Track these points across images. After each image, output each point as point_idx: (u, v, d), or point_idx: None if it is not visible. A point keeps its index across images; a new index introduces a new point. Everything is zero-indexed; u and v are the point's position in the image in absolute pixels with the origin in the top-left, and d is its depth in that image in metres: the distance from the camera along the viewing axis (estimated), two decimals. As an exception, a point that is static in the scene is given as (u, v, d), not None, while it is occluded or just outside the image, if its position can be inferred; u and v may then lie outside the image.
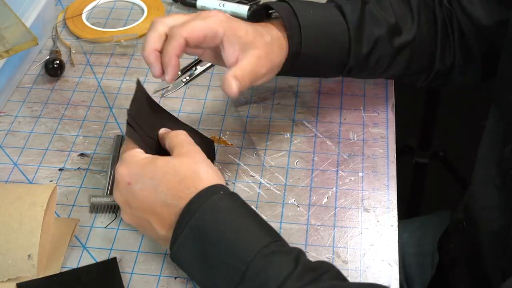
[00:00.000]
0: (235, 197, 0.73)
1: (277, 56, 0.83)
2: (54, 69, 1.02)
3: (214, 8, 1.14)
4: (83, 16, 1.13)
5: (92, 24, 1.12)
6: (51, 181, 0.89)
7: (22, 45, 0.89)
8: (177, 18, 0.80)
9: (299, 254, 0.69)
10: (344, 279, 0.70)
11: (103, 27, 1.11)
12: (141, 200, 0.74)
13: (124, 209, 0.76)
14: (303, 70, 0.89)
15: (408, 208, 1.76)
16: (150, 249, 0.81)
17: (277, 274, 0.66)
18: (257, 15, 0.89)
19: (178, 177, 0.73)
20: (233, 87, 0.77)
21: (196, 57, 1.06)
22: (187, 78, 1.03)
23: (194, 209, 0.70)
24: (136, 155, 0.76)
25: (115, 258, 0.79)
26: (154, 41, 0.79)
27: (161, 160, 0.74)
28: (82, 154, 0.92)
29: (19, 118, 0.98)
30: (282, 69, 0.86)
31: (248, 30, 0.80)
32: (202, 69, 1.04)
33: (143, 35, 1.09)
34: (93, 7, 1.15)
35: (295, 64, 0.86)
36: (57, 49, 1.06)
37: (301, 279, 0.66)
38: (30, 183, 0.88)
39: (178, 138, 0.78)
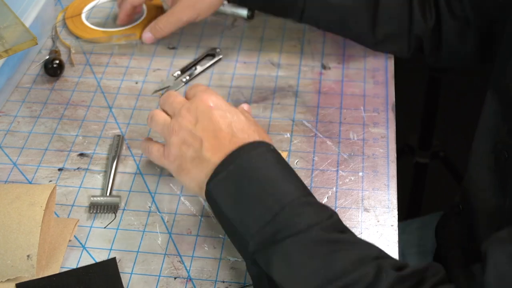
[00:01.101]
0: (279, 154, 0.76)
1: (207, 1, 1.01)
2: (53, 69, 1.02)
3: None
4: (83, 16, 1.13)
5: (91, 24, 1.11)
6: (50, 181, 0.89)
7: (22, 45, 0.89)
8: None
9: (333, 212, 0.71)
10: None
11: (103, 27, 1.11)
12: (213, 123, 0.76)
13: (181, 124, 0.77)
14: (257, 2, 1.02)
15: (408, 208, 1.76)
16: (150, 249, 0.81)
17: (307, 220, 0.68)
18: None
19: (249, 121, 0.78)
20: (146, 38, 1.07)
21: (196, 57, 1.06)
22: (187, 78, 1.03)
23: (244, 152, 0.73)
24: (222, 98, 0.81)
25: (114, 258, 0.79)
26: (124, 11, 1.09)
27: (240, 109, 0.80)
28: (81, 154, 0.92)
29: (18, 118, 0.97)
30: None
31: None
32: (202, 69, 1.04)
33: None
34: (93, 7, 1.15)
35: None
36: (56, 49, 1.06)
37: (328, 230, 0.68)
38: (30, 183, 0.88)
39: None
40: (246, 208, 0.70)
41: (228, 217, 0.71)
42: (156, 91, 1.01)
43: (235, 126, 0.76)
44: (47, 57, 1.04)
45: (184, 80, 1.03)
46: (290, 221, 0.68)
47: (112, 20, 1.13)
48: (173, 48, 1.08)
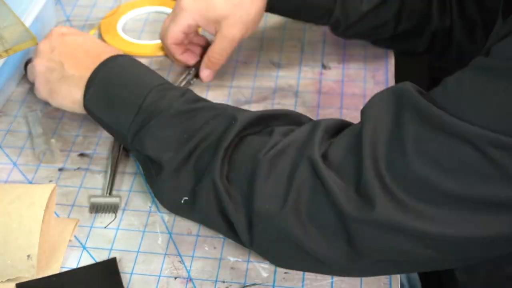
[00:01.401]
0: (140, 61, 0.87)
1: (251, 11, 0.95)
2: None
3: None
4: (119, 28, 1.12)
5: (128, 36, 1.11)
6: (50, 181, 0.89)
7: (22, 44, 0.89)
8: (163, 29, 1.03)
9: (186, 91, 0.82)
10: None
11: (138, 39, 1.10)
12: (68, 45, 0.88)
13: (42, 55, 0.89)
14: (286, 8, 1.01)
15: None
16: (150, 249, 0.81)
17: (167, 101, 0.79)
18: None
19: (99, 41, 0.91)
20: (205, 77, 1.01)
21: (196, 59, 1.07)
22: (192, 74, 1.03)
23: (107, 64, 0.84)
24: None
25: (114, 258, 0.79)
26: (174, 53, 1.03)
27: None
28: (81, 154, 0.92)
29: (18, 118, 0.97)
30: (270, 10, 1.00)
31: (215, 4, 0.95)
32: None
33: None
34: (128, 19, 1.15)
35: (281, 3, 0.99)
36: None
37: (187, 102, 0.79)
38: (30, 183, 0.88)
39: None
40: (118, 109, 0.81)
41: (106, 122, 0.83)
42: None
43: (88, 45, 0.88)
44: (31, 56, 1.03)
45: (189, 78, 1.03)
46: (153, 106, 0.79)
47: (148, 32, 1.12)
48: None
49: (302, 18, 1.03)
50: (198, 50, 1.03)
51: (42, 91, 0.90)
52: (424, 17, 0.98)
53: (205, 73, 1.00)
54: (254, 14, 0.95)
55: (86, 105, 0.85)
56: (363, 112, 0.70)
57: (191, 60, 1.02)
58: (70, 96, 0.87)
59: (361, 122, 0.69)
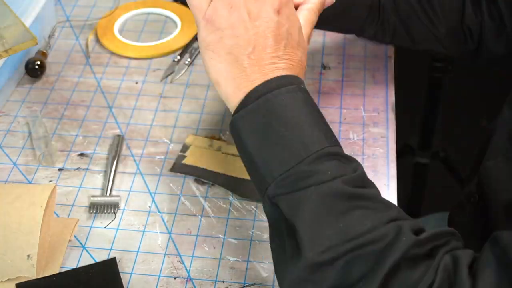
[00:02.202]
0: (309, 96, 0.73)
1: None
2: (34, 69, 1.02)
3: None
4: (115, 30, 1.11)
5: (125, 38, 1.10)
6: (50, 181, 0.89)
7: (22, 45, 0.89)
8: None
9: (358, 165, 0.70)
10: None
11: (137, 41, 1.10)
12: (269, 30, 0.70)
13: (242, 9, 0.70)
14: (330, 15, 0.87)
15: (408, 208, 1.76)
16: (150, 249, 0.81)
17: (333, 171, 0.67)
18: None
19: (298, 37, 0.73)
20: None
21: (195, 34, 1.07)
22: (189, 60, 1.04)
23: (274, 86, 0.69)
24: None
25: (114, 258, 0.79)
26: None
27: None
28: (81, 154, 0.92)
29: (18, 118, 0.97)
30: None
31: None
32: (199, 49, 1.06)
33: (178, 49, 1.08)
34: (125, 21, 1.14)
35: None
36: (44, 51, 1.06)
37: (352, 183, 0.67)
38: (30, 183, 0.88)
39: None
40: (271, 149, 0.68)
41: (251, 154, 0.69)
42: (163, 78, 1.03)
43: (286, 48, 0.71)
44: (32, 56, 1.04)
45: (186, 62, 1.04)
46: (315, 169, 0.66)
47: (146, 33, 1.12)
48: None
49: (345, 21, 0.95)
50: None
51: (203, 31, 0.71)
52: (458, 15, 0.96)
53: None
54: None
55: (234, 122, 0.70)
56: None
57: None
58: (229, 87, 0.71)
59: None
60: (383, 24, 0.94)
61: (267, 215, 0.69)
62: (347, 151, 0.91)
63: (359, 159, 0.90)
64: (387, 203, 0.68)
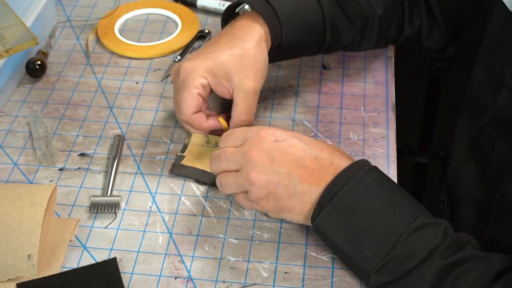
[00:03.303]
0: (378, 171, 0.75)
1: (262, 57, 0.87)
2: (34, 69, 1.02)
3: (214, 8, 1.14)
4: (116, 30, 1.11)
5: (125, 38, 1.10)
6: (51, 181, 0.89)
7: (22, 45, 0.89)
8: (176, 104, 0.88)
9: (447, 227, 0.71)
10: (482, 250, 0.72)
11: (137, 41, 1.10)
12: (289, 152, 0.74)
13: (261, 167, 0.74)
14: (284, 56, 0.94)
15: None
16: (150, 249, 0.81)
17: (426, 245, 0.69)
18: (227, 15, 0.94)
19: (314, 140, 0.77)
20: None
21: (196, 34, 1.08)
22: None
23: (343, 182, 0.72)
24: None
25: (115, 258, 0.79)
26: (197, 128, 0.89)
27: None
28: (82, 154, 0.92)
29: (19, 118, 0.98)
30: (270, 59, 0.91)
31: (228, 67, 0.85)
32: (200, 46, 1.07)
33: (178, 49, 1.08)
34: (126, 21, 1.14)
35: (279, 52, 0.91)
36: (45, 51, 1.06)
37: (447, 250, 0.69)
38: (30, 183, 0.88)
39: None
40: (361, 241, 0.71)
41: (344, 251, 0.72)
42: (163, 77, 1.03)
43: (312, 150, 0.75)
44: (32, 56, 1.04)
45: None
46: (409, 250, 0.69)
47: (146, 33, 1.12)
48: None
49: (295, 57, 0.99)
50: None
51: (262, 207, 0.76)
52: (399, 27, 0.99)
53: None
54: (263, 59, 0.87)
55: (318, 226, 0.73)
56: None
57: (219, 123, 0.89)
58: (306, 213, 0.75)
59: None
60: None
61: None
62: (347, 151, 0.91)
63: (359, 159, 0.90)
64: (485, 257, 0.70)
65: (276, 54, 0.91)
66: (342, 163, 0.75)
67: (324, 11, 0.91)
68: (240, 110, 0.86)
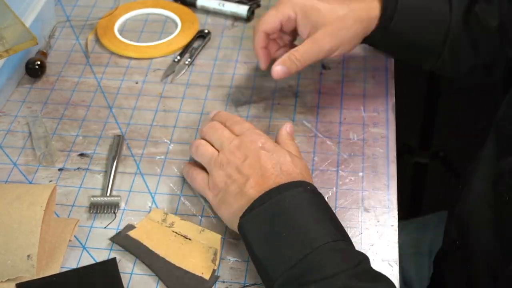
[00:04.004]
0: (318, 195, 0.76)
1: (351, 30, 0.88)
2: (34, 69, 1.02)
3: (214, 8, 1.14)
4: (116, 30, 1.11)
5: (125, 38, 1.10)
6: (50, 181, 0.89)
7: (22, 44, 0.89)
8: (264, 15, 0.93)
9: (364, 260, 0.70)
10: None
11: (137, 41, 1.10)
12: (261, 162, 0.77)
13: (230, 160, 0.79)
14: (392, 47, 0.93)
15: (408, 208, 1.76)
16: (150, 249, 0.81)
17: (335, 265, 0.68)
18: None
19: (294, 163, 0.78)
20: (275, 71, 0.89)
21: (196, 34, 1.09)
22: (189, 60, 1.04)
23: (281, 191, 0.74)
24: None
25: (114, 258, 0.79)
26: (257, 42, 0.93)
27: (286, 150, 0.81)
28: (81, 154, 0.92)
29: (18, 118, 0.97)
30: (369, 40, 0.92)
31: (320, 8, 0.88)
32: (200, 45, 1.07)
33: (178, 49, 1.08)
34: (125, 21, 1.14)
35: (383, 37, 0.91)
36: (44, 51, 1.06)
37: (357, 276, 0.67)
38: (30, 183, 0.88)
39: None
40: (275, 248, 0.71)
41: (257, 254, 0.72)
42: (163, 78, 1.03)
43: (281, 167, 0.77)
44: (32, 56, 1.04)
45: (186, 62, 1.05)
46: (316, 266, 0.68)
47: (146, 33, 1.12)
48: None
49: (405, 57, 0.98)
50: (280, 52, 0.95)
51: (212, 196, 0.80)
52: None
53: (277, 67, 0.89)
54: (353, 34, 0.89)
55: (241, 224, 0.74)
56: None
57: (265, 60, 0.95)
58: (237, 213, 0.76)
59: None
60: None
61: None
62: (347, 151, 0.91)
63: (359, 159, 0.90)
64: None
65: (381, 38, 0.91)
66: (291, 177, 0.76)
67: (450, 26, 0.90)
68: (299, 49, 0.89)
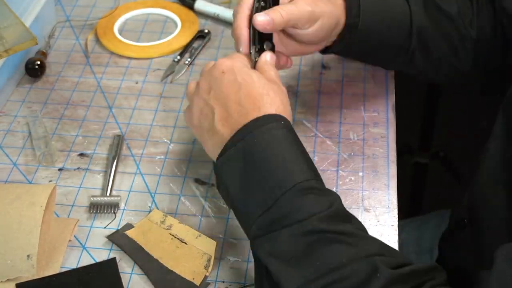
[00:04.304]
0: (291, 130, 0.74)
1: (328, 6, 0.84)
2: (34, 69, 1.02)
3: (214, 13, 1.14)
4: (115, 30, 1.11)
5: (125, 38, 1.10)
6: (50, 181, 0.89)
7: (22, 44, 0.89)
8: None
9: (335, 199, 0.69)
10: (364, 230, 0.70)
11: (137, 41, 1.10)
12: (223, 90, 0.75)
13: (199, 93, 0.76)
14: (363, 47, 0.90)
15: (408, 208, 1.76)
16: (150, 249, 0.81)
17: (307, 209, 0.67)
18: None
19: (261, 88, 0.75)
20: (258, 21, 0.80)
21: (196, 33, 1.09)
22: (189, 60, 1.04)
23: (253, 128, 0.72)
24: (242, 58, 0.79)
25: (114, 258, 0.79)
26: (241, 20, 0.83)
27: (256, 72, 0.77)
28: (81, 154, 0.92)
29: (18, 118, 0.97)
30: (339, 46, 0.88)
31: None
32: (200, 45, 1.07)
33: (178, 49, 1.08)
34: (125, 21, 1.14)
35: (352, 35, 0.87)
36: (44, 51, 1.06)
37: (329, 219, 0.67)
38: (30, 183, 0.88)
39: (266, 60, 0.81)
40: (250, 190, 0.69)
41: (233, 199, 0.71)
42: (163, 78, 1.03)
43: (244, 94, 0.74)
44: (32, 56, 1.04)
45: (186, 62, 1.05)
46: (289, 209, 0.67)
47: (146, 33, 1.12)
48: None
49: (377, 57, 0.96)
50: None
51: (193, 130, 0.80)
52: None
53: (261, 17, 0.80)
54: (330, 11, 0.84)
55: (217, 167, 0.73)
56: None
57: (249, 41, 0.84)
58: (214, 152, 0.74)
59: None
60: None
61: (253, 258, 0.70)
62: (347, 151, 0.91)
63: (359, 159, 0.90)
64: (366, 238, 0.68)
65: (349, 38, 0.88)
66: (261, 113, 0.73)
67: (412, 17, 0.89)
68: (285, 6, 0.82)
